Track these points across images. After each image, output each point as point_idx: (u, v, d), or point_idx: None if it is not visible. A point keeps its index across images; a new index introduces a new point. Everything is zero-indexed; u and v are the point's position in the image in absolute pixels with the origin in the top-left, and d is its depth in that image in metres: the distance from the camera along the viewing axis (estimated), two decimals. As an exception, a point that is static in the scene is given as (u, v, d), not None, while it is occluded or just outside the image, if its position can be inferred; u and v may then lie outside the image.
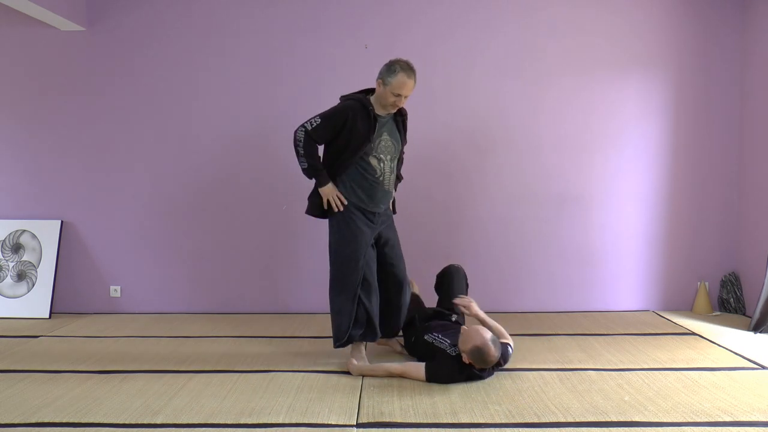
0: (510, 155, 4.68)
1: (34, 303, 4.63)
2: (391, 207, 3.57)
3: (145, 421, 2.71)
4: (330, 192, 3.35)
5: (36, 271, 4.69)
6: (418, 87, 3.38)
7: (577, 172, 4.70)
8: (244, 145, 4.68)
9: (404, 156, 3.62)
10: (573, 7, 4.63)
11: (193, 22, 4.66)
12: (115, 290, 4.78)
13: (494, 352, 3.08)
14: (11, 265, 4.73)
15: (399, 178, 3.61)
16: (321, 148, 3.45)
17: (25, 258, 4.72)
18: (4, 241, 4.75)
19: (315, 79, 4.64)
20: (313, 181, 3.41)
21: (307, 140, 3.33)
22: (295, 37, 4.64)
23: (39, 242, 4.72)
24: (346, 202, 3.35)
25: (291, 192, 4.68)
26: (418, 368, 3.19)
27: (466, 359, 3.13)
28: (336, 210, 3.35)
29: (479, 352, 3.06)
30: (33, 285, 4.67)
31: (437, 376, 3.15)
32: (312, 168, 3.35)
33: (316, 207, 3.43)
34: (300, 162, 3.38)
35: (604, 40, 4.65)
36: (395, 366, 3.28)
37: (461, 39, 4.63)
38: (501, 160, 4.69)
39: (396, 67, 3.23)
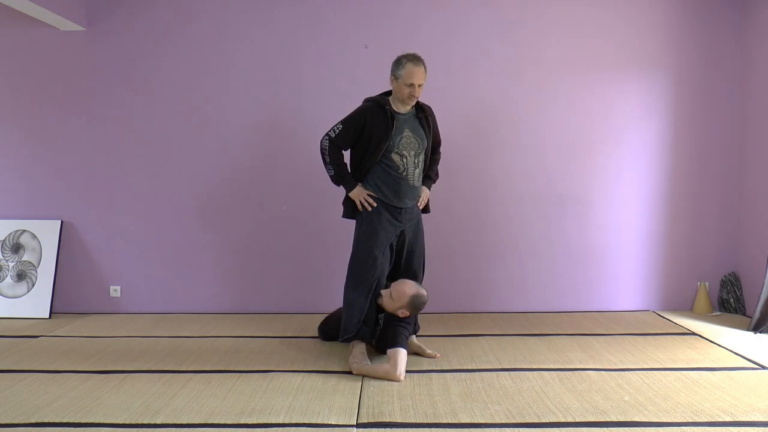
0: (511, 155, 4.69)
1: (34, 303, 4.63)
2: (419, 204, 3.63)
3: (145, 421, 2.71)
4: (359, 194, 3.48)
5: (36, 271, 4.69)
6: (423, 87, 3.45)
7: (578, 172, 4.70)
8: (245, 145, 4.68)
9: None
10: (574, 9, 4.63)
11: (194, 21, 4.65)
12: (115, 290, 4.78)
13: (425, 292, 3.46)
14: (11, 265, 4.73)
15: (433, 178, 3.74)
16: (347, 155, 3.57)
17: (25, 258, 4.72)
18: (4, 241, 4.75)
19: (315, 80, 4.64)
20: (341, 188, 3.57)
21: (332, 148, 3.47)
22: (296, 38, 4.64)
23: (39, 242, 4.72)
24: (375, 205, 3.46)
25: (291, 192, 4.69)
26: (399, 355, 3.25)
27: (403, 313, 3.42)
28: (369, 209, 3.46)
29: (416, 298, 3.40)
30: (33, 285, 4.67)
31: (402, 341, 3.35)
32: (338, 175, 3.50)
33: (350, 210, 3.56)
34: (327, 170, 3.53)
35: (604, 41, 4.65)
36: (385, 366, 3.25)
37: (463, 41, 4.63)
38: (502, 160, 4.69)
39: (403, 60, 3.38)
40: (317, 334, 4.02)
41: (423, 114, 3.54)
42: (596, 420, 2.70)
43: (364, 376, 3.28)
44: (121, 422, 2.70)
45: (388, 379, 3.20)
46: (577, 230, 4.72)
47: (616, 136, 4.70)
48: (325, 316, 4.09)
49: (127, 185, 4.73)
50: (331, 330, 3.85)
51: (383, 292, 3.49)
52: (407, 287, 3.43)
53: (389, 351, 3.32)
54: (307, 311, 4.66)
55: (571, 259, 4.73)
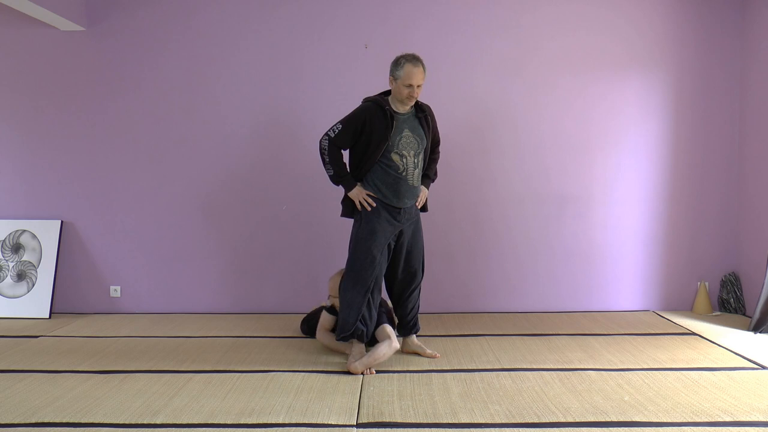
0: (510, 154, 4.69)
1: (34, 303, 4.63)
2: (417, 204, 3.62)
3: (145, 421, 2.71)
4: (358, 194, 3.47)
5: (36, 271, 4.69)
6: (422, 87, 3.45)
7: (578, 171, 4.70)
8: (245, 145, 4.68)
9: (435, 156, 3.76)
10: (574, 7, 4.63)
11: (194, 21, 4.65)
12: (115, 290, 4.78)
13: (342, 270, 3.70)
14: (11, 265, 4.73)
15: (432, 177, 3.73)
16: (346, 154, 3.56)
17: (25, 258, 4.72)
18: (4, 241, 4.75)
19: (315, 79, 4.64)
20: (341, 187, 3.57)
21: (331, 147, 3.47)
22: (296, 38, 4.64)
23: (39, 242, 4.72)
24: (375, 204, 3.45)
25: (291, 192, 4.69)
26: (389, 328, 3.54)
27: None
28: (369, 209, 3.46)
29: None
30: (33, 285, 4.67)
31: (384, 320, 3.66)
32: (337, 175, 3.50)
33: (349, 209, 3.56)
34: (326, 169, 3.52)
35: (605, 40, 4.65)
36: (385, 343, 3.43)
37: (462, 39, 4.63)
38: (501, 159, 4.69)
39: (402, 60, 3.38)
40: (300, 331, 4.16)
41: (422, 114, 3.53)
42: (596, 420, 2.70)
43: (369, 370, 3.31)
44: (121, 422, 2.70)
45: (393, 351, 3.42)
46: (576, 230, 4.72)
47: (615, 136, 4.70)
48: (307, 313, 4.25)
49: (127, 185, 4.73)
50: (314, 326, 3.96)
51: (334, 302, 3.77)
52: (332, 281, 3.78)
53: (378, 330, 3.56)
54: (307, 311, 4.66)
55: (571, 259, 4.73)
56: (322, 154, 3.49)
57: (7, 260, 4.74)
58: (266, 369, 3.40)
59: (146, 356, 3.65)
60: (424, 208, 3.71)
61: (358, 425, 2.68)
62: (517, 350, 3.73)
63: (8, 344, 3.92)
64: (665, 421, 2.69)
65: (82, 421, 2.72)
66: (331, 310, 3.80)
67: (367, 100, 3.53)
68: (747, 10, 4.62)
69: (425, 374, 3.31)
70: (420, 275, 3.71)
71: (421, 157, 3.52)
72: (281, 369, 3.40)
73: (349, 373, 3.32)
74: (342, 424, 2.68)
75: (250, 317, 4.60)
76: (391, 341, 3.44)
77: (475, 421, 2.69)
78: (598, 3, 4.64)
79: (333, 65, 4.64)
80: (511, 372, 3.32)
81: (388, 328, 3.52)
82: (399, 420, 2.72)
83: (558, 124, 4.68)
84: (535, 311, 4.72)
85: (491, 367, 3.41)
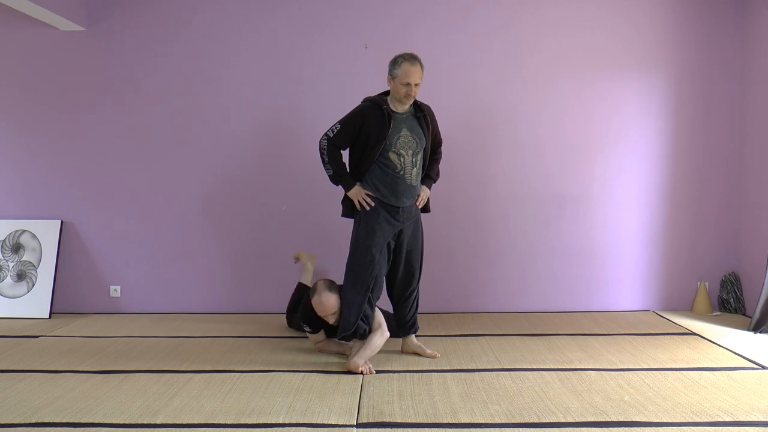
0: (510, 154, 4.69)
1: (34, 303, 4.63)
2: (418, 204, 3.61)
3: (145, 421, 2.71)
4: (357, 194, 3.49)
5: (36, 271, 4.69)
6: (420, 86, 3.44)
7: (578, 171, 4.70)
8: (245, 145, 4.69)
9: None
10: (574, 6, 4.63)
11: (194, 21, 4.65)
12: (115, 290, 4.78)
13: (314, 286, 3.56)
14: (11, 265, 4.73)
15: (434, 177, 3.73)
16: (345, 154, 3.57)
17: (25, 258, 4.72)
18: (4, 241, 4.75)
19: (315, 79, 4.64)
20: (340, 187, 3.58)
21: (330, 148, 3.49)
22: (296, 38, 4.64)
23: (39, 242, 4.72)
24: (373, 204, 3.46)
25: (291, 192, 4.69)
26: (379, 316, 3.55)
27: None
28: (367, 208, 3.46)
29: (328, 289, 3.52)
30: (33, 285, 4.67)
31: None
32: (336, 175, 3.52)
33: (349, 209, 3.57)
34: (326, 169, 3.54)
35: (605, 40, 4.65)
36: (377, 333, 3.48)
37: (462, 39, 4.63)
38: (501, 159, 4.69)
39: (399, 59, 3.40)
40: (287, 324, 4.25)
41: (421, 113, 3.54)
42: (596, 420, 2.70)
43: (369, 370, 3.32)
44: (121, 422, 2.70)
45: (385, 339, 3.50)
46: (576, 230, 4.72)
47: (615, 136, 4.70)
48: (290, 308, 4.27)
49: (127, 185, 4.73)
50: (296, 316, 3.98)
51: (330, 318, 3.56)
52: (325, 299, 3.46)
53: None
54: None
55: (571, 259, 4.73)
56: (321, 154, 3.50)
57: (7, 260, 4.74)
58: (266, 369, 3.40)
59: (146, 356, 3.65)
60: (426, 209, 3.71)
61: (358, 425, 2.68)
62: (517, 350, 3.73)
63: (8, 344, 3.92)
64: (665, 421, 2.69)
65: (82, 421, 2.72)
66: (313, 330, 3.67)
67: (366, 100, 3.54)
68: (747, 10, 4.62)
69: (425, 374, 3.31)
70: (418, 276, 3.71)
71: (419, 156, 3.52)
72: (281, 369, 3.40)
73: (349, 372, 3.32)
74: (342, 424, 2.68)
75: (250, 317, 4.60)
76: (382, 331, 3.49)
77: (475, 421, 2.69)
78: (598, 3, 4.64)
79: (333, 65, 4.64)
80: (511, 372, 3.32)
81: (379, 316, 3.56)
82: (399, 420, 2.72)
83: (558, 124, 4.68)
84: (535, 311, 4.72)
85: (491, 367, 3.41)
